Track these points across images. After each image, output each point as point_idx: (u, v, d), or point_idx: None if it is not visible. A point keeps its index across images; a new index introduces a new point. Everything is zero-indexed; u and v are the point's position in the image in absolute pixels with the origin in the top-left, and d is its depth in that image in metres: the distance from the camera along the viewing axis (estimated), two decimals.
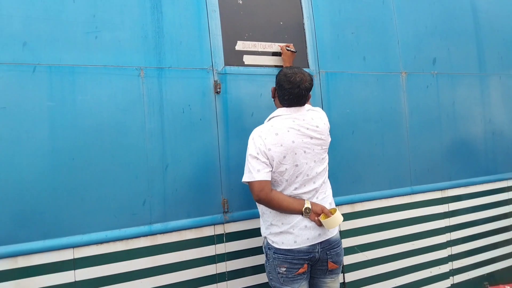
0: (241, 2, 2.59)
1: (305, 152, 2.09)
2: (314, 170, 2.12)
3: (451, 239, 3.24)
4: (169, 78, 2.34)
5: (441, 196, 3.23)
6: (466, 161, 3.37)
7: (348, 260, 2.80)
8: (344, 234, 2.79)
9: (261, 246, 2.27)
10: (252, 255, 2.49)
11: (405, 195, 3.07)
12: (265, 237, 2.18)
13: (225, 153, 2.45)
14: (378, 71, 3.03)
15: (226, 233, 2.43)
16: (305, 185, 2.11)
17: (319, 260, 2.11)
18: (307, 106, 2.24)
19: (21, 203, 1.97)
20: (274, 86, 2.22)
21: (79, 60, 2.14)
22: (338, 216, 2.07)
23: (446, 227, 3.23)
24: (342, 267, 2.73)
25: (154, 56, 2.32)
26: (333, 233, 2.16)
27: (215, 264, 2.39)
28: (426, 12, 3.28)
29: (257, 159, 2.04)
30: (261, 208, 2.16)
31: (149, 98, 2.28)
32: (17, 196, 1.96)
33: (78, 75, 2.13)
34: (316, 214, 2.09)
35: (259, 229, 2.24)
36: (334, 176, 2.73)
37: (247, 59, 2.58)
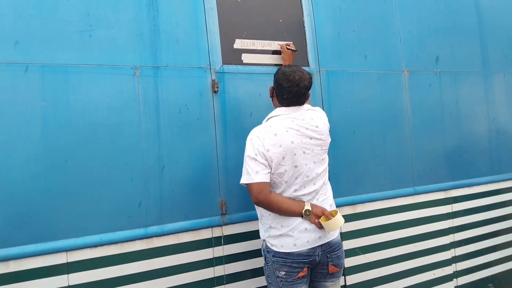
0: None
1: (304, 152, 2.03)
2: (314, 171, 2.06)
3: (455, 240, 3.19)
4: (166, 77, 2.29)
5: (444, 197, 3.18)
6: (470, 161, 3.31)
7: (349, 262, 2.74)
8: (345, 235, 2.74)
9: (260, 249, 2.21)
10: (251, 258, 2.44)
11: (408, 195, 3.02)
12: (264, 240, 2.12)
13: (223, 153, 2.40)
14: (379, 70, 2.97)
15: (224, 236, 2.38)
16: (305, 187, 2.06)
17: (320, 263, 2.06)
18: (306, 105, 2.19)
19: (12, 206, 1.92)
20: (272, 85, 2.16)
21: (73, 59, 2.10)
22: (339, 219, 2.02)
23: (449, 228, 3.17)
24: (344, 269, 2.69)
25: (150, 55, 2.27)
26: (334, 235, 2.10)
27: (213, 268, 2.34)
28: (429, 9, 3.22)
29: (256, 160, 1.98)
30: (259, 210, 2.11)
31: (144, 98, 2.23)
32: (8, 198, 1.92)
33: (72, 74, 2.08)
34: (316, 216, 2.03)
35: (258, 231, 2.18)
36: (335, 177, 2.69)
37: (246, 58, 2.52)
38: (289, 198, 2.04)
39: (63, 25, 2.09)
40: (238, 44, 2.51)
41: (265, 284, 2.16)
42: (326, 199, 2.12)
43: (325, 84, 2.74)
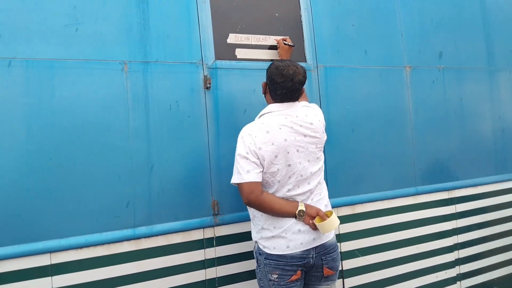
0: None
1: (298, 151, 1.95)
2: (309, 170, 1.98)
3: (458, 242, 3.09)
4: (155, 72, 2.21)
5: (447, 197, 3.08)
6: (474, 160, 3.21)
7: (348, 264, 2.66)
8: (344, 237, 2.65)
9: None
10: (244, 260, 2.35)
11: (410, 196, 2.93)
12: (256, 242, 2.04)
13: (215, 152, 2.31)
14: (380, 65, 2.88)
15: (217, 237, 2.30)
16: (299, 186, 1.97)
17: (314, 266, 1.98)
18: (302, 102, 2.11)
19: None
20: (265, 81, 2.07)
21: (58, 54, 2.02)
22: (334, 219, 1.94)
23: (453, 229, 3.08)
24: (342, 272, 2.61)
25: (139, 50, 2.19)
26: (329, 237, 2.01)
27: (204, 270, 2.26)
28: (432, 2, 3.12)
29: (247, 159, 1.90)
30: (252, 211, 2.03)
31: (133, 94, 2.15)
32: None
33: (57, 70, 2.01)
34: (310, 217, 1.95)
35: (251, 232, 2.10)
36: (333, 176, 2.61)
37: (240, 53, 2.44)
38: (282, 198, 1.95)
39: (48, 19, 2.02)
40: (232, 38, 2.43)
41: (258, 287, 2.07)
42: (321, 199, 2.03)
43: (323, 81, 2.65)
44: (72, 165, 2.00)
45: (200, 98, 2.31)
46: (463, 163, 3.16)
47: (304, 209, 1.94)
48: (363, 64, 2.81)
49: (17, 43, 1.95)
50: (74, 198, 1.99)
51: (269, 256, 1.95)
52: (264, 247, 1.97)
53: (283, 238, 1.94)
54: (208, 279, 2.27)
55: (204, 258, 2.27)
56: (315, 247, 1.96)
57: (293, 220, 1.94)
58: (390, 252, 2.82)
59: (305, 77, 2.00)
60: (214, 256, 2.29)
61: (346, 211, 2.67)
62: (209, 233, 2.28)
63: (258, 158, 1.90)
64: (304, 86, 2.04)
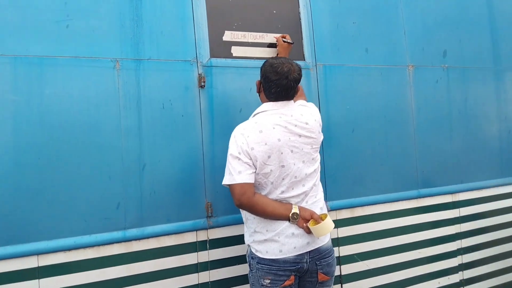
0: None
1: (292, 151, 1.88)
2: (303, 172, 1.91)
3: (462, 246, 3.01)
4: (148, 70, 2.16)
5: (451, 200, 2.99)
6: (479, 162, 3.12)
7: (347, 269, 2.58)
8: (343, 241, 2.58)
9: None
10: (238, 264, 2.29)
11: (412, 198, 2.85)
12: (248, 245, 1.98)
13: (209, 152, 2.26)
14: (382, 64, 2.80)
15: (210, 240, 2.24)
16: (293, 188, 1.91)
17: (308, 271, 1.91)
18: (299, 101, 2.04)
19: None
20: (259, 79, 2.01)
21: (48, 50, 1.98)
22: (328, 223, 1.87)
23: (456, 233, 2.99)
24: (341, 277, 2.54)
25: (131, 47, 2.14)
26: (324, 241, 1.95)
27: (197, 273, 2.20)
28: None
29: (239, 159, 1.84)
30: (244, 213, 1.97)
31: (125, 92, 2.10)
32: None
33: (47, 67, 1.97)
34: (304, 220, 1.89)
35: None
36: (332, 178, 2.55)
37: (236, 51, 2.38)
38: (276, 200, 1.89)
39: (38, 14, 1.97)
40: (228, 36, 2.37)
41: None
42: (316, 202, 1.96)
43: (322, 79, 2.58)
44: (61, 165, 1.95)
45: (194, 97, 2.25)
46: (468, 165, 3.07)
47: (298, 211, 1.87)
48: (364, 63, 2.74)
49: (5, 39, 1.91)
50: (62, 198, 1.94)
51: (261, 261, 1.89)
52: (256, 251, 1.91)
53: (276, 242, 1.87)
54: (201, 283, 2.21)
55: (197, 262, 2.21)
56: (309, 252, 1.90)
57: (286, 223, 1.88)
58: (390, 257, 2.74)
59: (300, 75, 1.93)
60: (207, 260, 2.23)
61: (345, 214, 2.60)
62: (202, 235, 2.22)
63: (251, 159, 1.84)
64: (302, 85, 1.98)
